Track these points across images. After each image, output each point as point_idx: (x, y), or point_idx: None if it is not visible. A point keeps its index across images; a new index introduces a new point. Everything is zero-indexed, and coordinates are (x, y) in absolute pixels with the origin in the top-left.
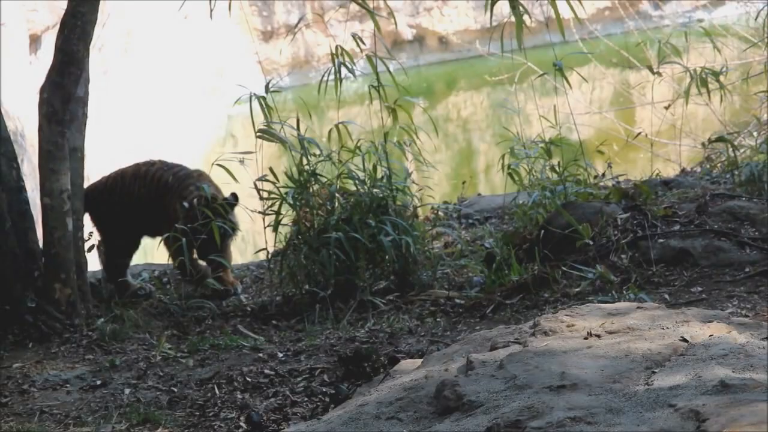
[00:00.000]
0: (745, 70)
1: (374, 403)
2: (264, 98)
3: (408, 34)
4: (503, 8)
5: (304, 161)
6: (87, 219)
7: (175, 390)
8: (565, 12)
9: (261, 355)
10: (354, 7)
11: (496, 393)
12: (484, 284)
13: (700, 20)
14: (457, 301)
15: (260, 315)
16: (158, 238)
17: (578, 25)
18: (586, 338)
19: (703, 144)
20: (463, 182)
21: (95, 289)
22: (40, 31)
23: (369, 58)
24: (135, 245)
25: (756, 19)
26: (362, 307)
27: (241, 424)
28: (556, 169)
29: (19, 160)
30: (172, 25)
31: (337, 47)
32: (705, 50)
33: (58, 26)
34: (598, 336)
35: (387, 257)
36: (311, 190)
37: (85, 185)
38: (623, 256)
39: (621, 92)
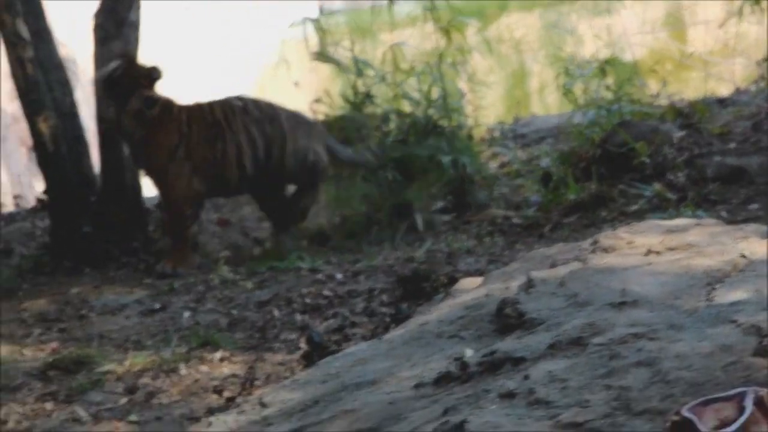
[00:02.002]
0: None
1: (435, 321)
2: (318, 21)
3: None
4: None
5: (359, 83)
6: None
7: (235, 312)
8: None
9: (319, 276)
10: None
11: (558, 310)
12: (541, 203)
13: None
14: (515, 220)
15: (318, 237)
16: None
17: None
18: (645, 255)
19: (757, 62)
20: (518, 102)
21: (151, 213)
22: None
23: None
24: None
25: None
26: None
27: (301, 345)
28: (611, 88)
29: (72, 87)
30: None
31: None
32: None
33: None
34: (658, 253)
35: (444, 178)
36: (366, 111)
37: None
38: (680, 174)
39: (673, 12)
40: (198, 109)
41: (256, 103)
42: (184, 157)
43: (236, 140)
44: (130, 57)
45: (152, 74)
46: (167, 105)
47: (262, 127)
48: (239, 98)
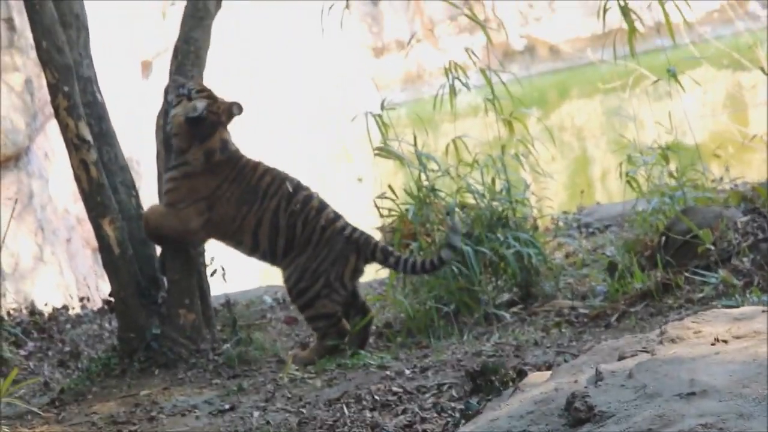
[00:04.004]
0: None
1: (505, 417)
2: (380, 116)
3: (518, 44)
4: (612, 14)
5: (423, 177)
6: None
7: (304, 411)
8: (674, 16)
9: (388, 372)
10: (464, 20)
11: (627, 403)
12: (607, 293)
13: None
14: (581, 310)
15: (385, 332)
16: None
17: (688, 29)
18: (713, 344)
19: None
20: (581, 191)
21: (219, 313)
22: (151, 56)
23: (483, 71)
24: None
25: None
26: (487, 320)
27: None
28: (674, 174)
29: (137, 187)
30: (282, 43)
31: (450, 62)
32: None
33: (168, 52)
34: (725, 341)
35: (510, 269)
36: (431, 205)
37: None
38: (745, 259)
39: (733, 94)
40: (251, 167)
41: (307, 201)
42: (204, 207)
43: (260, 215)
44: (211, 93)
45: (232, 110)
46: (234, 156)
47: (293, 220)
48: (298, 185)
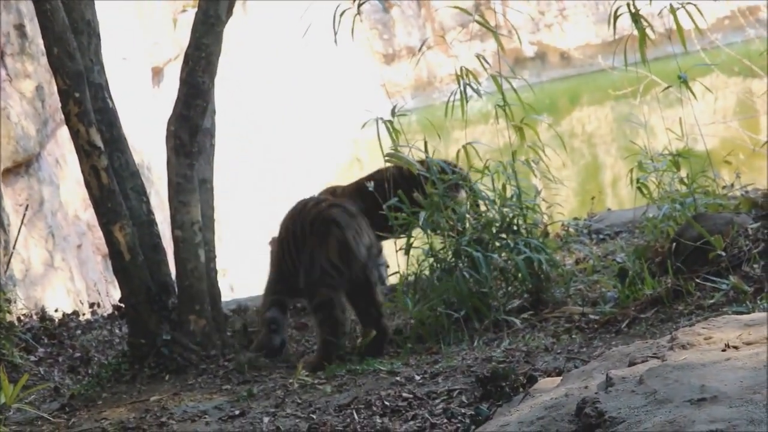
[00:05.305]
0: None
1: (516, 423)
2: (391, 122)
3: (529, 51)
4: (623, 20)
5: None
6: (218, 250)
7: (314, 417)
8: (685, 23)
9: (398, 378)
10: (475, 27)
11: (637, 408)
12: (617, 299)
13: None
14: (592, 317)
15: (396, 338)
16: None
17: (699, 36)
18: (724, 350)
19: None
20: (592, 198)
21: (229, 319)
22: (162, 63)
23: (494, 77)
24: None
25: None
26: (497, 326)
27: None
28: (685, 181)
29: (147, 193)
30: (294, 50)
31: (461, 68)
32: None
33: (179, 58)
34: (736, 347)
35: (520, 276)
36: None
37: (215, 216)
38: (755, 266)
39: (744, 101)
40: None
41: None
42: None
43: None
44: None
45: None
46: None
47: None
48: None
